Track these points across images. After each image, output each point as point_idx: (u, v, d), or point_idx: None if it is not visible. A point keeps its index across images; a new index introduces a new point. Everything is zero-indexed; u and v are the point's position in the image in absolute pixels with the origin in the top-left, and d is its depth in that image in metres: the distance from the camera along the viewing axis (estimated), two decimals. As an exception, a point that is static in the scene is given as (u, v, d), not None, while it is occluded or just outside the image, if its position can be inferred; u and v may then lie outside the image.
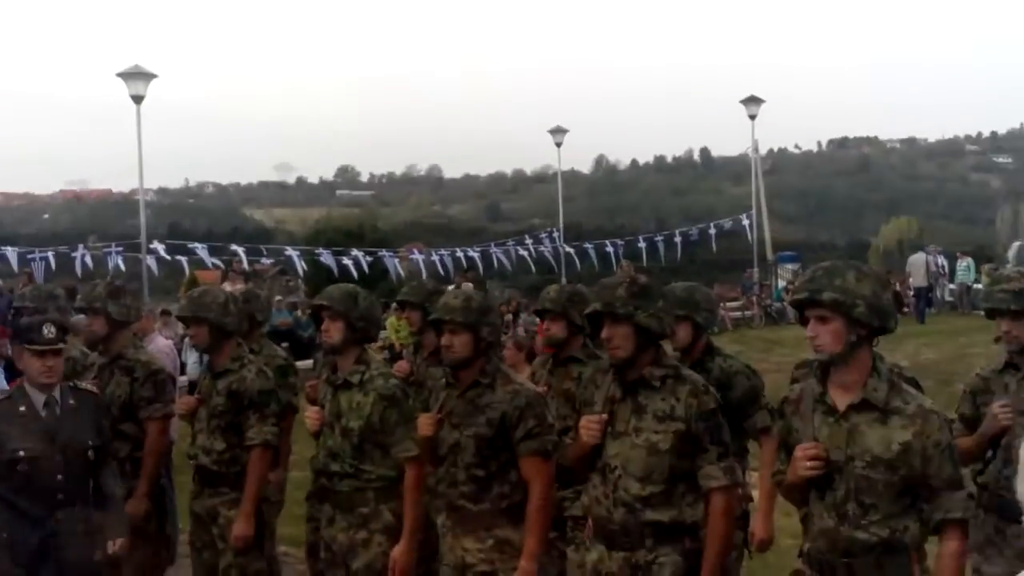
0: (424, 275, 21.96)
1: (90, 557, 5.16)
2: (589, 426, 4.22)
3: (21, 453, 5.01)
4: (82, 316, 6.69)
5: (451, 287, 7.03)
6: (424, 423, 4.85)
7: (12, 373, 8.56)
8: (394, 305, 15.02)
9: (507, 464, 4.62)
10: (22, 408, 5.12)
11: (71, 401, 5.27)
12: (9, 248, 19.85)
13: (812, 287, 3.58)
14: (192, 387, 8.53)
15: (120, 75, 19.90)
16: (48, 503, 5.07)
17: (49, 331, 5.11)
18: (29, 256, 18.95)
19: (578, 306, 5.65)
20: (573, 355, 5.70)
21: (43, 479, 5.06)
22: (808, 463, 3.59)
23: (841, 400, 3.62)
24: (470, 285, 18.62)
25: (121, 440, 5.87)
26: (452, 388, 4.84)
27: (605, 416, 4.21)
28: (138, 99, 19.87)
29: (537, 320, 8.15)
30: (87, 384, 5.93)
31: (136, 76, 19.91)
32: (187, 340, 12.65)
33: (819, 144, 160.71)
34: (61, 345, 5.20)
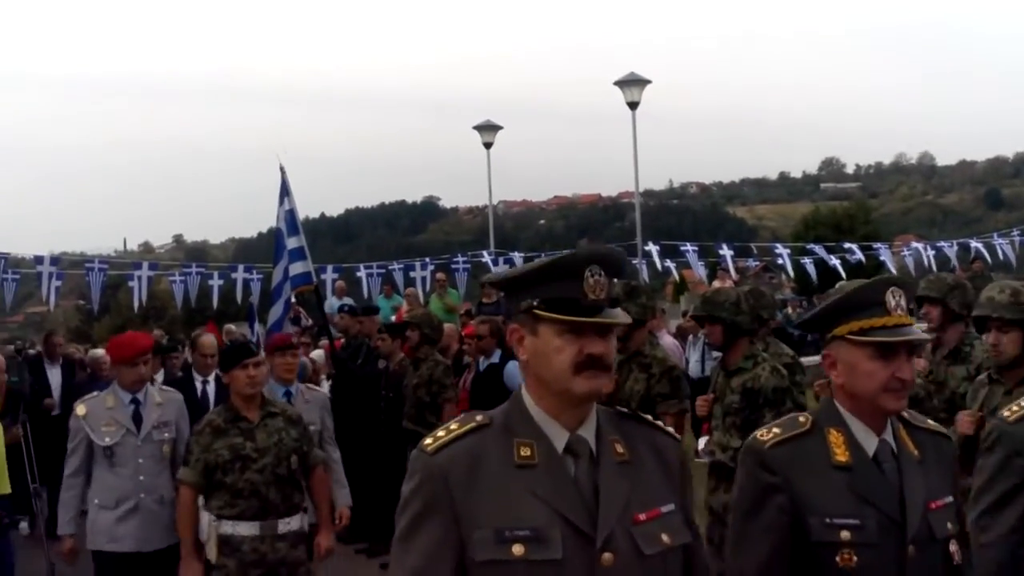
0: (929, 267, 20.83)
1: None
2: None
3: None
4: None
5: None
6: (965, 421, 4.56)
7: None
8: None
9: None
10: None
11: None
12: (516, 253, 21.44)
13: None
14: (695, 385, 8.71)
15: (617, 83, 20.88)
16: None
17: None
18: (536, 260, 20.37)
19: None
20: None
21: None
22: None
23: None
24: None
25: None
26: (997, 385, 4.52)
27: None
28: (633, 105, 20.75)
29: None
30: None
31: (632, 83, 20.80)
32: (689, 338, 12.99)
33: None
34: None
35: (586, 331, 2.21)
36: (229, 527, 5.18)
